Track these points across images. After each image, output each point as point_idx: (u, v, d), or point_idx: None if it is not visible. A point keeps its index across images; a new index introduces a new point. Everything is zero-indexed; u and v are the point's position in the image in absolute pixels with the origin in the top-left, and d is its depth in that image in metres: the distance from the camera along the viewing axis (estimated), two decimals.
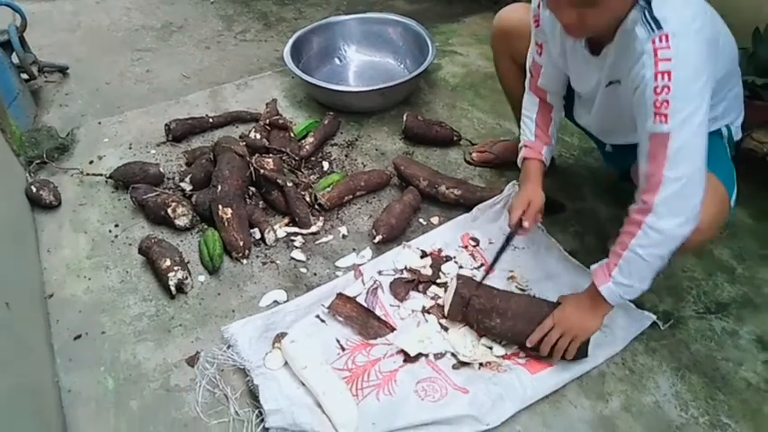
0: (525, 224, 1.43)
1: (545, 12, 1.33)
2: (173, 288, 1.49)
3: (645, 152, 1.10)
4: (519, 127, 1.57)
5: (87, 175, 1.88)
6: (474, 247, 1.65)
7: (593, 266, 1.26)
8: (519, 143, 1.55)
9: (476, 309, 1.35)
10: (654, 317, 1.43)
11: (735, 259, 1.61)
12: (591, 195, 1.81)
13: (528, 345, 1.31)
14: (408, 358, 1.35)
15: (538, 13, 1.37)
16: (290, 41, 2.26)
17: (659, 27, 1.05)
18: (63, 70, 2.48)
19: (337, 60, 2.43)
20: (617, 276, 1.18)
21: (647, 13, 1.06)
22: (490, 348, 1.37)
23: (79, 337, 1.45)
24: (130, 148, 2.02)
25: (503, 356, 1.36)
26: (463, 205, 1.75)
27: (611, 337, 1.40)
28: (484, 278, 1.46)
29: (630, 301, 1.45)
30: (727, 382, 1.33)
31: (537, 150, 1.50)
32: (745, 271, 1.58)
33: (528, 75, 1.52)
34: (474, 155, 1.95)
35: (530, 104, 1.53)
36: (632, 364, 1.36)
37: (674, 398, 1.30)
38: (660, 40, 1.04)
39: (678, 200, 1.08)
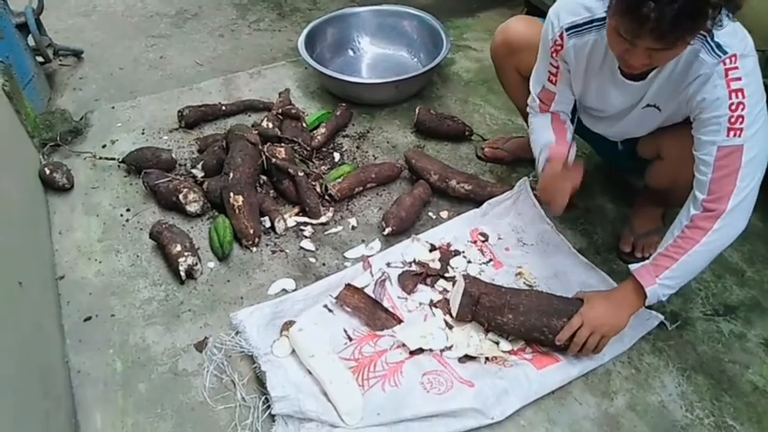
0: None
1: (571, 41, 1.31)
2: (182, 273, 1.51)
3: (709, 162, 1.16)
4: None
5: (100, 158, 1.89)
6: (483, 242, 1.65)
7: (634, 267, 1.27)
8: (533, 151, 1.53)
9: (486, 307, 1.35)
10: (662, 317, 1.43)
11: (744, 262, 1.61)
12: (600, 194, 1.81)
13: (557, 343, 1.30)
14: (415, 350, 1.36)
15: (560, 42, 1.33)
16: (305, 32, 2.25)
17: (724, 52, 1.12)
18: (78, 54, 2.49)
19: (351, 52, 2.43)
20: (665, 279, 1.21)
21: (709, 40, 1.12)
22: (497, 343, 1.38)
23: (89, 318, 1.46)
24: (143, 134, 2.03)
25: (509, 352, 1.36)
26: (473, 200, 1.75)
27: (618, 336, 1.39)
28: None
29: None
30: (733, 385, 1.33)
31: (562, 150, 1.45)
32: (754, 274, 1.58)
33: (533, 101, 1.50)
34: (486, 150, 1.95)
35: (538, 120, 1.51)
36: (638, 363, 1.37)
37: (679, 398, 1.30)
38: (730, 62, 1.12)
39: (748, 204, 1.17)
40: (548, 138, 1.47)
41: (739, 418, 1.27)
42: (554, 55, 1.38)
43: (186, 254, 1.52)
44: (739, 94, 1.12)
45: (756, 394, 1.31)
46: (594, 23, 1.26)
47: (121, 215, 1.73)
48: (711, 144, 1.15)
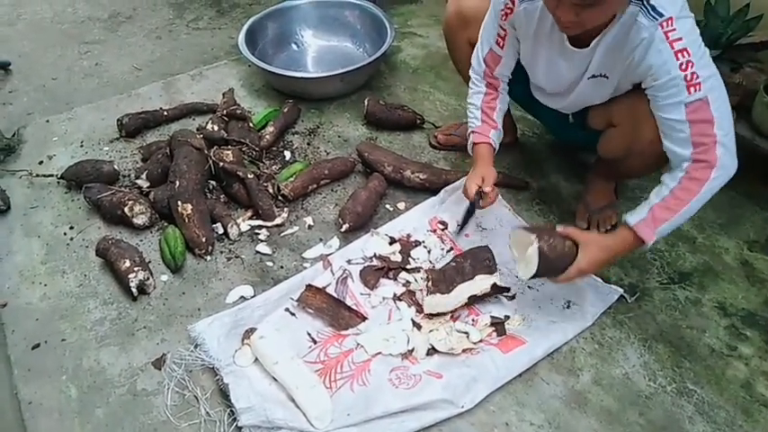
0: (487, 189, 1.47)
1: (521, 5, 1.33)
2: (134, 289, 1.44)
3: (682, 119, 1.19)
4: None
5: (37, 176, 1.80)
6: (442, 230, 1.64)
7: (633, 221, 1.25)
8: (467, 131, 1.56)
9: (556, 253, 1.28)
10: (621, 290, 1.46)
11: (695, 229, 1.65)
12: (553, 172, 1.83)
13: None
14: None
15: (511, 6, 1.35)
16: (244, 28, 2.19)
17: (660, 14, 1.16)
18: (5, 67, 2.35)
19: (294, 46, 2.38)
20: (663, 230, 1.24)
21: (645, 4, 1.16)
22: (466, 334, 1.37)
23: (38, 346, 1.39)
24: (82, 146, 1.94)
25: (478, 341, 1.36)
26: (429, 189, 1.74)
27: (580, 314, 1.42)
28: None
29: (597, 275, 1.48)
30: (691, 350, 1.36)
31: (484, 135, 1.53)
32: (705, 240, 1.62)
33: (479, 65, 1.52)
34: (439, 138, 1.94)
35: (474, 93, 1.56)
36: (601, 338, 1.39)
37: (642, 368, 1.33)
38: (667, 24, 1.16)
39: (732, 146, 1.21)
40: (476, 117, 1.54)
41: (699, 382, 1.30)
42: (503, 18, 1.39)
43: (136, 269, 1.46)
44: (684, 54, 1.16)
45: (714, 357, 1.35)
46: None
47: (65, 234, 1.65)
48: (678, 104, 1.19)
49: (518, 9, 1.35)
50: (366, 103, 1.98)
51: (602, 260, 1.29)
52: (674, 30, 1.16)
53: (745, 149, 1.66)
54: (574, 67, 1.35)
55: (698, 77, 1.17)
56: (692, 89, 1.17)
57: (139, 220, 1.62)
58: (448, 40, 1.72)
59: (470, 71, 1.56)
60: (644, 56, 1.19)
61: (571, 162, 1.84)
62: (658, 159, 1.35)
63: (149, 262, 1.54)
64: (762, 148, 1.64)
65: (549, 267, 1.27)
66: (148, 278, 1.47)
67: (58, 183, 1.78)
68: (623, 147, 1.42)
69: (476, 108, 1.55)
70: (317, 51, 2.38)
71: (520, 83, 1.54)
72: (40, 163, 1.88)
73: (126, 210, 1.60)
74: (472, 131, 1.55)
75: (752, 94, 1.67)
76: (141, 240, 1.62)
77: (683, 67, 1.17)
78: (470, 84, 1.57)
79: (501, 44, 1.45)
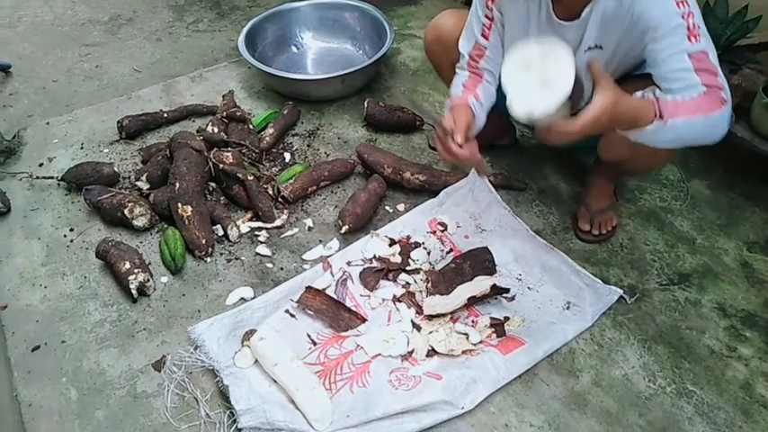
0: (458, 138, 1.29)
1: None
2: (134, 291, 1.45)
3: (689, 67, 1.13)
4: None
5: (37, 178, 1.80)
6: (442, 232, 1.64)
7: (656, 93, 1.15)
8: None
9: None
10: (620, 291, 1.45)
11: (695, 230, 1.65)
12: (552, 174, 1.83)
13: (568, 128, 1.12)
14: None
15: None
16: (244, 30, 2.19)
17: None
18: (5, 69, 2.35)
19: (294, 48, 2.38)
20: (676, 124, 1.12)
21: None
22: (465, 335, 1.37)
23: (38, 348, 1.39)
24: (82, 148, 1.94)
25: (479, 342, 1.36)
26: (429, 190, 1.74)
27: (580, 314, 1.42)
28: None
29: (596, 276, 1.48)
30: (691, 351, 1.36)
31: (463, 99, 1.42)
32: (704, 241, 1.62)
33: (463, 58, 1.48)
34: None
35: (458, 78, 1.49)
36: (600, 339, 1.39)
37: (642, 369, 1.33)
38: None
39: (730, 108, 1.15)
40: (457, 91, 1.46)
41: (699, 383, 1.30)
42: (490, 3, 1.37)
43: (136, 271, 1.46)
44: (685, 4, 1.14)
45: (713, 358, 1.35)
46: None
47: (65, 236, 1.65)
48: (682, 53, 1.14)
49: None
50: (366, 104, 1.98)
51: (616, 111, 1.10)
52: None
53: (744, 150, 1.67)
54: (568, 43, 1.25)
55: (698, 29, 1.14)
56: (692, 39, 1.14)
57: (139, 222, 1.62)
58: (433, 63, 1.73)
59: (456, 68, 1.51)
60: (645, 10, 1.16)
61: (570, 163, 1.84)
62: (664, 156, 1.34)
63: (149, 264, 1.54)
64: (761, 149, 1.64)
65: (576, 90, 1.05)
66: (148, 280, 1.48)
67: (59, 185, 1.79)
68: (626, 146, 1.38)
69: (457, 87, 1.47)
70: (317, 53, 2.38)
71: None
72: (41, 165, 1.88)
73: (126, 212, 1.60)
74: (451, 103, 1.44)
75: (751, 96, 1.67)
76: (141, 242, 1.62)
77: (685, 16, 1.14)
78: (456, 76, 1.51)
79: (486, 35, 1.42)
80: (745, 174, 1.78)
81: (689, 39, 1.14)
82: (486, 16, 1.40)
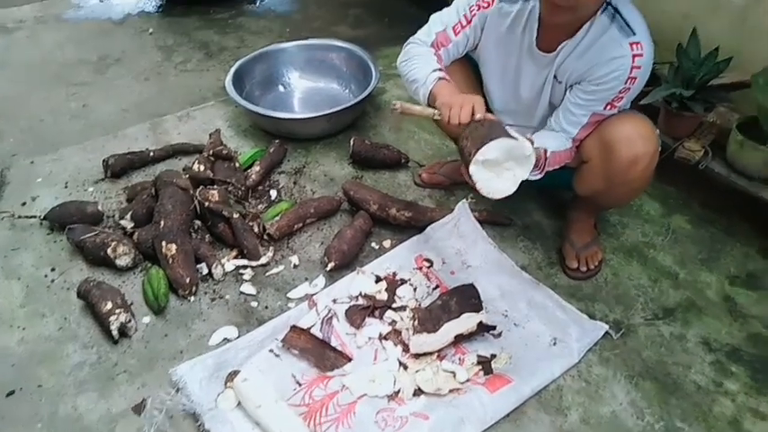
0: (479, 116, 1.27)
1: (500, 3, 1.38)
2: (115, 332, 1.42)
3: (578, 122, 1.37)
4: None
5: (19, 217, 1.78)
6: (428, 268, 1.64)
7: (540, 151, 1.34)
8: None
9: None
10: (606, 326, 1.45)
11: (677, 264, 1.67)
12: (535, 210, 1.85)
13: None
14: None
15: (489, 1, 1.39)
16: (232, 70, 2.23)
17: (633, 32, 1.25)
18: None
19: (281, 87, 2.42)
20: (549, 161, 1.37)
21: (619, 17, 1.26)
22: (452, 373, 1.36)
23: (12, 393, 1.35)
24: (66, 188, 1.93)
25: (465, 381, 1.34)
26: (414, 227, 1.75)
27: (566, 350, 1.41)
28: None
29: (582, 311, 1.48)
30: (678, 387, 1.36)
31: (447, 76, 1.40)
32: (687, 275, 1.64)
33: (428, 35, 1.45)
34: (423, 176, 1.96)
35: (419, 51, 1.45)
36: (588, 376, 1.38)
37: (630, 406, 1.32)
38: (637, 47, 1.25)
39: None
40: (435, 64, 1.41)
41: (687, 419, 1.29)
42: (474, 9, 1.41)
43: (118, 311, 1.43)
44: (633, 81, 1.28)
45: (700, 394, 1.35)
46: None
47: (46, 276, 1.63)
48: (589, 110, 1.34)
49: (496, 6, 1.39)
50: (352, 142, 2.00)
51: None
52: (641, 56, 1.25)
53: (722, 186, 1.71)
54: (540, 71, 1.41)
55: (620, 102, 1.32)
56: (608, 107, 1.33)
57: (122, 261, 1.61)
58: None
59: (410, 39, 1.48)
60: (600, 65, 1.28)
61: (553, 199, 1.86)
62: (639, 185, 1.41)
63: (131, 304, 1.52)
64: (738, 184, 1.67)
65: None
66: (130, 320, 1.45)
67: (41, 224, 1.77)
68: (601, 178, 1.43)
69: (429, 60, 1.41)
70: (304, 92, 2.42)
71: None
72: (23, 204, 1.87)
73: (109, 251, 1.59)
74: (435, 70, 1.38)
75: (726, 133, 1.72)
76: (124, 281, 1.60)
77: (622, 91, 1.29)
78: (409, 48, 1.47)
79: (457, 30, 1.44)
80: (724, 208, 1.81)
81: (606, 105, 1.33)
82: (465, 17, 1.43)
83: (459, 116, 1.26)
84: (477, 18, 1.42)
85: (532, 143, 1.29)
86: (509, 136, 1.23)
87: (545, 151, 1.35)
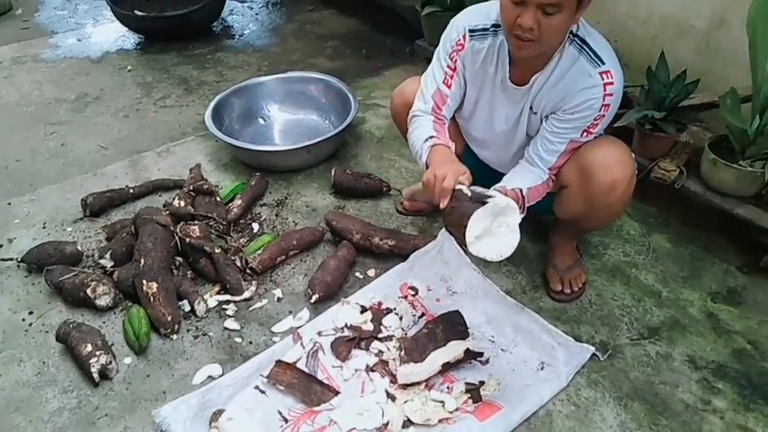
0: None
1: (471, 42, 1.41)
2: (95, 375, 1.38)
3: (555, 150, 1.40)
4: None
5: None
6: (413, 296, 1.64)
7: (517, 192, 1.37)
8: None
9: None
10: (593, 348, 1.46)
11: (659, 283, 1.68)
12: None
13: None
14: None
15: (462, 42, 1.41)
16: (211, 105, 2.24)
17: (602, 62, 1.29)
18: None
19: (261, 120, 2.43)
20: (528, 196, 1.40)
21: (586, 48, 1.29)
22: (441, 402, 1.34)
23: None
24: (44, 228, 1.91)
25: (455, 410, 1.33)
26: (398, 255, 1.75)
27: (554, 374, 1.41)
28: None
29: (568, 334, 1.48)
30: (667, 406, 1.36)
31: (443, 140, 1.43)
32: (669, 294, 1.65)
33: (425, 103, 1.49)
34: (405, 204, 1.97)
35: (420, 123, 1.48)
36: (576, 399, 1.37)
37: (619, 428, 1.31)
38: (607, 76, 1.29)
39: None
40: (426, 130, 1.45)
41: None
42: (454, 56, 1.44)
43: (98, 353, 1.40)
44: (606, 108, 1.32)
45: (689, 412, 1.35)
46: (492, 28, 1.38)
47: (23, 319, 1.59)
48: (567, 137, 1.38)
49: (468, 46, 1.42)
50: (333, 172, 2.01)
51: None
52: (612, 84, 1.29)
53: (699, 204, 1.74)
54: (515, 104, 1.43)
55: (595, 128, 1.35)
56: (584, 134, 1.36)
57: (102, 302, 1.58)
58: (399, 127, 1.77)
59: (412, 112, 1.52)
60: (574, 94, 1.31)
61: (535, 223, 1.87)
62: (618, 208, 1.42)
63: (112, 344, 1.49)
64: (714, 202, 1.71)
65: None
66: (111, 362, 1.42)
67: (18, 266, 1.74)
68: (581, 203, 1.45)
69: (426, 127, 1.46)
70: (284, 124, 2.43)
71: (468, 156, 1.59)
72: (0, 247, 1.83)
73: (89, 291, 1.56)
74: (428, 137, 1.42)
75: (699, 151, 1.76)
76: (104, 322, 1.57)
77: (597, 118, 1.33)
78: (412, 122, 1.51)
79: (448, 83, 1.48)
80: (702, 226, 1.84)
81: (582, 133, 1.36)
82: (449, 66, 1.46)
83: (439, 199, 1.30)
84: (459, 62, 1.45)
85: (505, 192, 1.32)
86: (481, 201, 1.23)
87: (520, 191, 1.37)
